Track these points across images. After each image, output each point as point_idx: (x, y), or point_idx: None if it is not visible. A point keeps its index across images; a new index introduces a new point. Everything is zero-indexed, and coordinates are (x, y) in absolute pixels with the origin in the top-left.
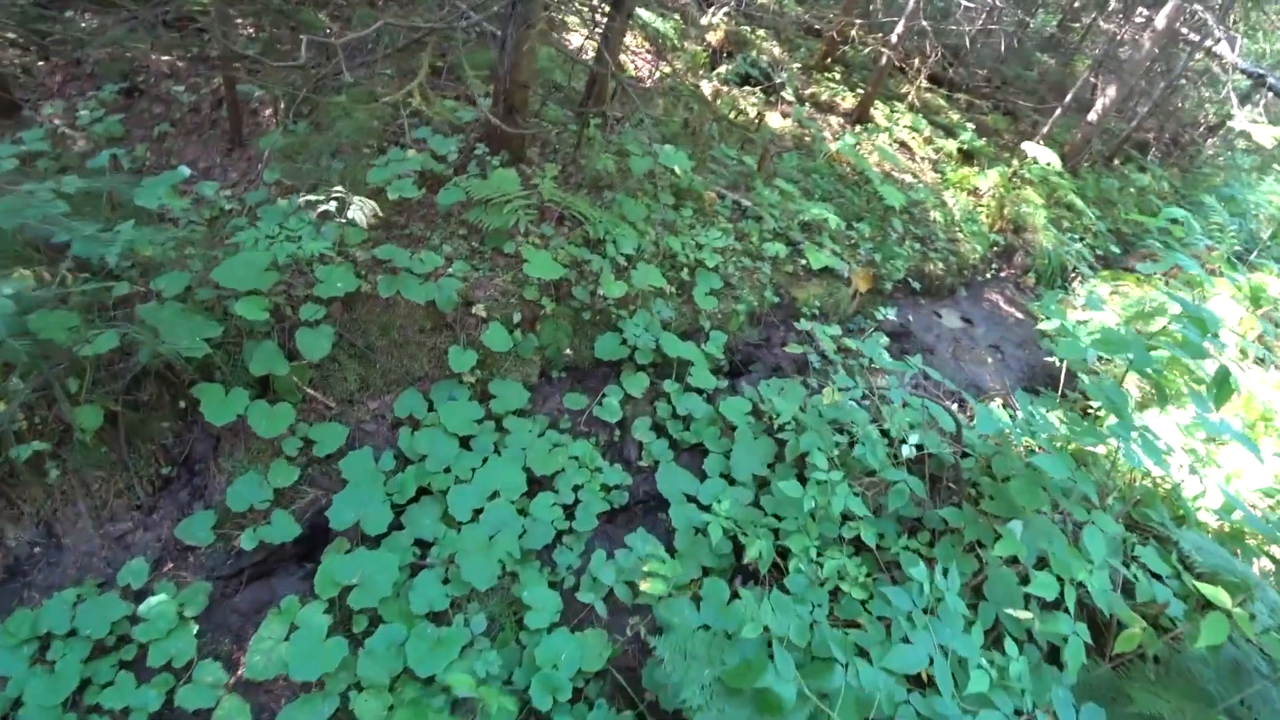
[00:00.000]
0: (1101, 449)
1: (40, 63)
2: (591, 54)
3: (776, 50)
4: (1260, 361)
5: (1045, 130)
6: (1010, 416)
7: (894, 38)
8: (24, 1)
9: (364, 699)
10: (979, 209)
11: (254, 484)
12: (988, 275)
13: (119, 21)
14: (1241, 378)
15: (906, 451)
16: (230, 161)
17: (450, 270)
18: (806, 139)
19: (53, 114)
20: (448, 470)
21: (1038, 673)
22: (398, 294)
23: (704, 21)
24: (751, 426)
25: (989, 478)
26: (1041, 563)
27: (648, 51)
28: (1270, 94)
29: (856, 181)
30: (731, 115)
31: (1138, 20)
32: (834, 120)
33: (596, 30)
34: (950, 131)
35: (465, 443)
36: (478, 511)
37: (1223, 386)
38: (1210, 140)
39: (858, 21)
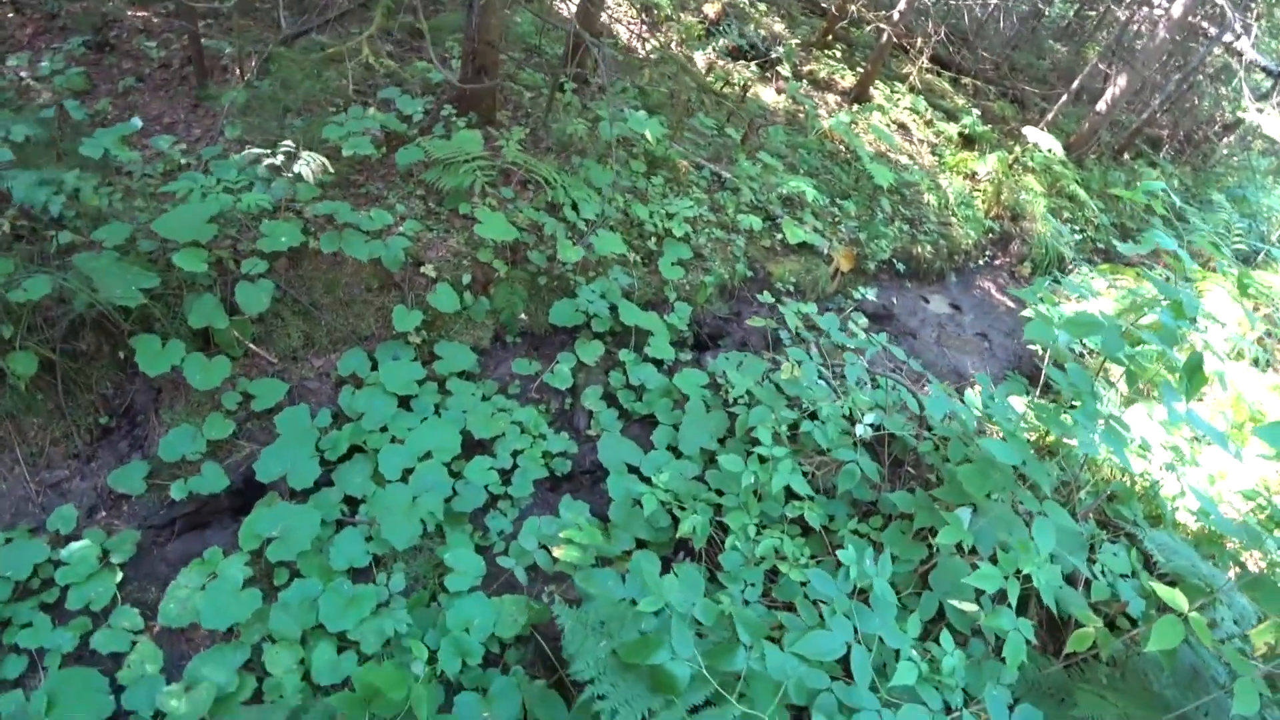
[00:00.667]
0: (1075, 441)
1: (10, 15)
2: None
3: (778, 26)
4: (1256, 363)
5: (1050, 117)
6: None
7: (895, 14)
8: None
9: (275, 651)
10: (975, 193)
11: (188, 435)
12: (981, 262)
13: None
14: (1233, 377)
15: (861, 431)
16: (195, 117)
17: (401, 229)
18: (800, 115)
19: (17, 66)
20: (384, 429)
21: (980, 669)
22: (343, 251)
23: None
24: (706, 400)
25: (949, 462)
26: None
27: (642, 22)
28: None
29: (847, 159)
30: (719, 88)
31: (1157, 11)
32: (831, 98)
33: None
34: (953, 116)
35: (405, 403)
36: (408, 471)
37: (1194, 375)
38: (1226, 140)
39: None
